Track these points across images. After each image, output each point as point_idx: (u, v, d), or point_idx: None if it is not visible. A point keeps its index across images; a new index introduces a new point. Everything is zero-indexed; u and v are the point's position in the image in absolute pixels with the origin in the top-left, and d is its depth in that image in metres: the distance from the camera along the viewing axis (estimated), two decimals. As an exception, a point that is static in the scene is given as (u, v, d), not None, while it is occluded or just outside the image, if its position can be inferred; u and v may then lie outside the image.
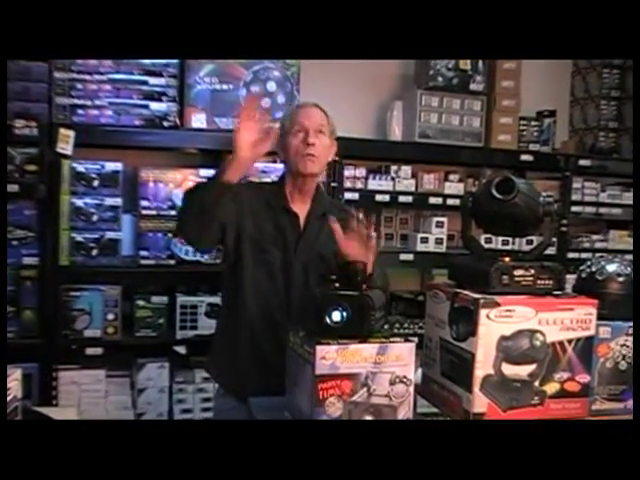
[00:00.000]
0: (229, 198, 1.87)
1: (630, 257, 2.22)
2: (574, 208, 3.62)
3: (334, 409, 1.48)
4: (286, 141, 2.02)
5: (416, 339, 1.63)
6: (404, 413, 1.53)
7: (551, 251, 3.29)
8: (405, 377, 1.53)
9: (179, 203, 2.92)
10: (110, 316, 2.93)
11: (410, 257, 3.31)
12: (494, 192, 1.64)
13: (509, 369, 1.58)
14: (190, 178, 2.97)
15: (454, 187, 3.43)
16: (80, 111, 2.87)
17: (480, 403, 1.57)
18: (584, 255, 3.52)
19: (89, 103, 2.88)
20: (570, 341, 1.62)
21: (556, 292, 1.67)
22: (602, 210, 3.70)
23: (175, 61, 2.97)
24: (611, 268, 1.86)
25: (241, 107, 1.97)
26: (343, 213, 2.07)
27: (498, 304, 1.56)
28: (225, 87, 3.03)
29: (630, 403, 1.72)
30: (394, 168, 3.35)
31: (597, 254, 3.35)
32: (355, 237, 1.82)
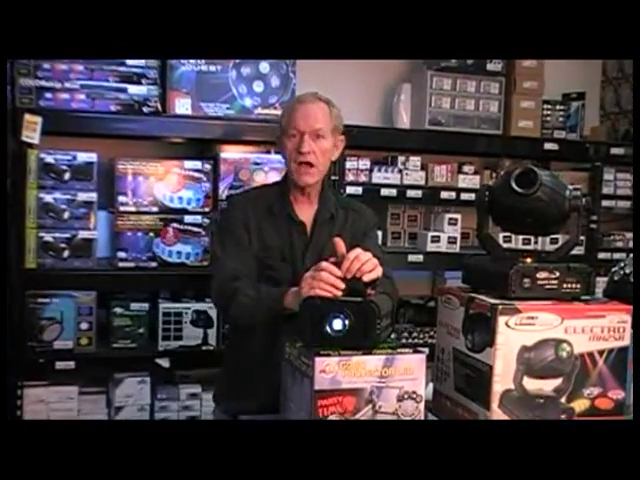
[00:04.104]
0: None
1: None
2: (605, 202, 3.61)
3: (335, 429, 1.48)
4: (282, 142, 2.04)
5: (427, 350, 1.63)
6: (414, 433, 1.53)
7: (579, 251, 3.32)
8: (414, 393, 1.53)
9: (161, 199, 2.95)
10: (83, 325, 2.92)
11: (420, 258, 3.30)
12: (514, 185, 1.64)
13: (531, 384, 1.59)
14: (173, 170, 2.97)
15: (469, 180, 3.43)
16: (48, 95, 2.85)
17: (499, 422, 1.57)
18: (616, 255, 3.52)
19: (58, 86, 2.86)
20: (601, 352, 1.62)
21: (584, 297, 1.68)
22: (637, 204, 3.70)
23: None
24: (646, 270, 1.86)
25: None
26: (352, 213, 2.11)
27: (519, 311, 1.56)
28: (212, 68, 3.03)
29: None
30: (402, 159, 3.35)
31: (631, 254, 3.35)
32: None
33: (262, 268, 2.00)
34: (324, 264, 1.71)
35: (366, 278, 1.69)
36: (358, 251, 1.72)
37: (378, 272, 1.73)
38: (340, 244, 1.77)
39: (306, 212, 2.07)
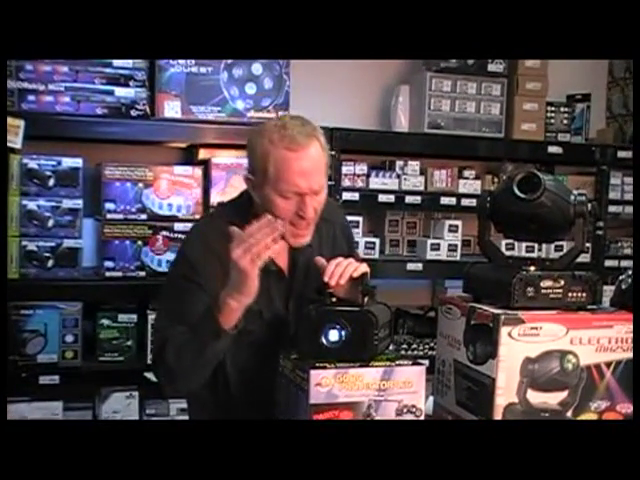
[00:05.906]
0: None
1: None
2: (612, 208, 3.61)
3: (331, 445, 1.48)
4: (269, 197, 1.73)
5: (427, 362, 1.64)
6: (413, 449, 1.53)
7: (584, 258, 3.32)
8: (414, 406, 1.53)
9: (150, 206, 2.95)
10: (69, 338, 2.91)
11: (419, 267, 3.30)
12: (516, 190, 1.64)
13: (536, 397, 1.59)
14: (163, 176, 2.96)
15: (470, 185, 3.43)
16: (31, 97, 2.84)
17: (502, 437, 1.57)
18: (624, 263, 3.52)
19: (41, 88, 2.85)
20: (608, 364, 1.62)
21: (591, 306, 1.68)
22: (645, 210, 3.70)
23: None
24: (655, 278, 1.86)
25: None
26: (323, 224, 1.90)
27: (522, 321, 1.57)
28: (203, 70, 3.03)
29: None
30: (400, 164, 3.35)
31: None
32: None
33: (238, 336, 1.66)
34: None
35: (355, 274, 1.70)
36: (337, 260, 1.73)
37: (363, 268, 1.74)
38: (321, 261, 1.77)
39: (280, 250, 1.77)
